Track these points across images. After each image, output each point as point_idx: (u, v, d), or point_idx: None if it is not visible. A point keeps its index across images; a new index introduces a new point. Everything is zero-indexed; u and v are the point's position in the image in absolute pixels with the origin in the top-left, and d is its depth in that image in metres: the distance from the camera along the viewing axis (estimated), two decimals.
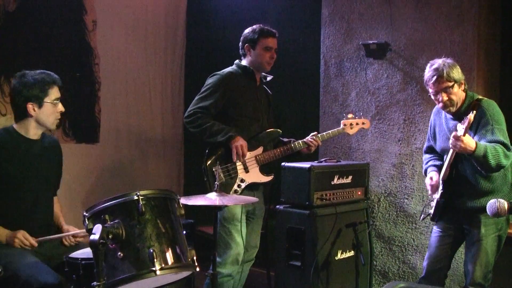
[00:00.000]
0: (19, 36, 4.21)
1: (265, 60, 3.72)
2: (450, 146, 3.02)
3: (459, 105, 3.17)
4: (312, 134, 3.81)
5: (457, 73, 3.13)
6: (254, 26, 3.78)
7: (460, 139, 2.90)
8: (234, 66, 3.80)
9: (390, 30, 4.28)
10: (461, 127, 2.94)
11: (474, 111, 2.98)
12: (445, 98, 3.13)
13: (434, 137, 3.42)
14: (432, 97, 3.21)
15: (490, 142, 3.02)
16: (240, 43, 3.81)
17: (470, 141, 2.93)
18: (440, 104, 3.19)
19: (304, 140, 3.78)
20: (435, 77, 3.12)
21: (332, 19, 4.61)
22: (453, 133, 2.96)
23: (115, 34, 4.99)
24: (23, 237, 2.81)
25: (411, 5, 4.18)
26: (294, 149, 3.75)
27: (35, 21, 4.33)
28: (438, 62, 3.16)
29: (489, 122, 3.07)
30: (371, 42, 4.27)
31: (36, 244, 2.84)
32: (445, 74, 3.09)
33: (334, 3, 4.59)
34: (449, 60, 3.18)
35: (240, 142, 3.56)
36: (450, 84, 3.11)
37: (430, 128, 3.47)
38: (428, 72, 3.19)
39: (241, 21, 3.81)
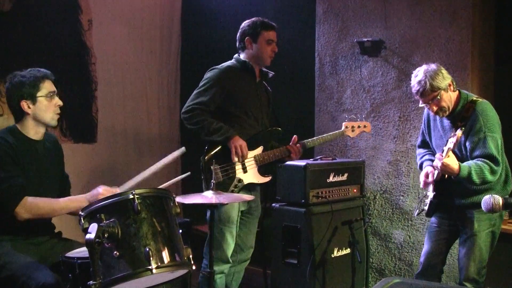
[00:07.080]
0: (14, 36, 4.21)
1: (267, 54, 3.65)
2: (434, 168, 3.13)
3: (452, 107, 3.17)
4: (306, 140, 3.76)
5: (441, 79, 3.09)
6: (254, 19, 3.69)
7: (444, 164, 2.98)
8: (233, 61, 3.71)
9: (385, 27, 4.29)
10: (450, 141, 3.00)
11: (463, 128, 3.02)
12: (435, 108, 3.15)
13: (429, 132, 3.42)
14: (423, 105, 3.23)
15: (481, 156, 3.04)
16: (239, 36, 3.70)
17: (453, 165, 2.99)
18: (432, 112, 3.20)
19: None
20: (419, 91, 3.12)
21: (326, 17, 4.62)
22: (437, 157, 3.05)
23: (111, 33, 4.99)
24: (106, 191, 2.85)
25: (405, 2, 4.19)
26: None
27: (30, 21, 4.32)
28: (421, 72, 3.13)
29: (481, 129, 3.06)
30: (365, 39, 4.27)
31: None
32: (428, 87, 3.07)
33: (329, 1, 4.60)
34: (432, 66, 3.13)
35: (239, 142, 3.49)
36: (436, 94, 3.09)
37: (424, 122, 3.46)
38: (412, 85, 3.17)
39: (236, 20, 3.76)
